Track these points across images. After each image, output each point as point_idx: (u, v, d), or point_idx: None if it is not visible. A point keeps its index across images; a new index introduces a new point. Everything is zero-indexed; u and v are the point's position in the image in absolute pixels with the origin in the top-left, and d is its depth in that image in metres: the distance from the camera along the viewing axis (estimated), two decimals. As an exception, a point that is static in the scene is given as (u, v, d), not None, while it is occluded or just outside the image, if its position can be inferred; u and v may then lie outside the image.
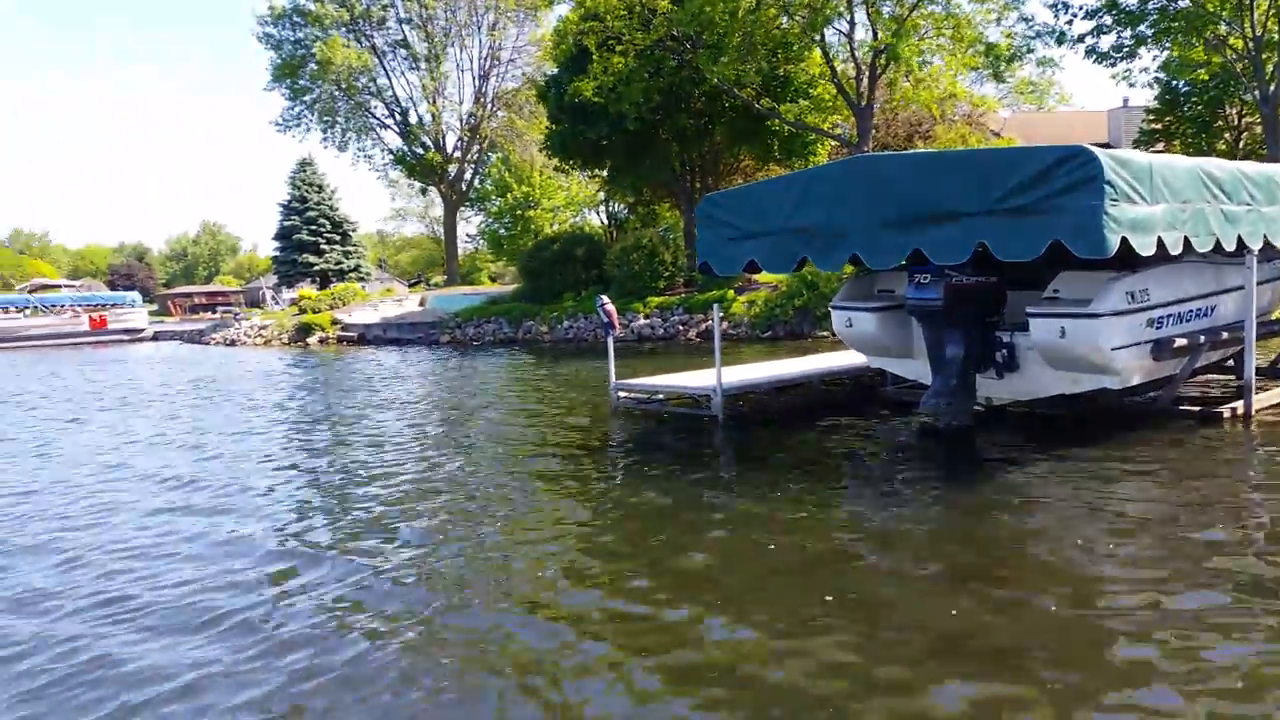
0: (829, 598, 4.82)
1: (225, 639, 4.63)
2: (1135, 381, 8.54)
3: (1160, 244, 7.52)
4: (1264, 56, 27.38)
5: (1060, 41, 28.99)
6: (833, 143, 32.73)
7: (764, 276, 28.50)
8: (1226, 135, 34.89)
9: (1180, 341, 8.51)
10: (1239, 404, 8.83)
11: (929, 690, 3.75)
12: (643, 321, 28.11)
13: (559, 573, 5.50)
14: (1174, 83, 39.15)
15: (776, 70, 30.50)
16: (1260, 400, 8.97)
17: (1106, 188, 7.01)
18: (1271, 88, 27.58)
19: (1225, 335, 9.01)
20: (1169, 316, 8.48)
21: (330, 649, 4.45)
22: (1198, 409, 9.02)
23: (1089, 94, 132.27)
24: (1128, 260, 7.76)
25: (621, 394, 11.78)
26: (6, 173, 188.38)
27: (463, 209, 55.02)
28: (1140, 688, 3.70)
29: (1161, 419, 8.84)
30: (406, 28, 45.07)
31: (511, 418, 12.34)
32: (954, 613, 4.51)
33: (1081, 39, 29.01)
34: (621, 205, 43.39)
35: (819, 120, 31.91)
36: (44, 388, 20.48)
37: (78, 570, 5.95)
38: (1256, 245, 8.68)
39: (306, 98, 44.76)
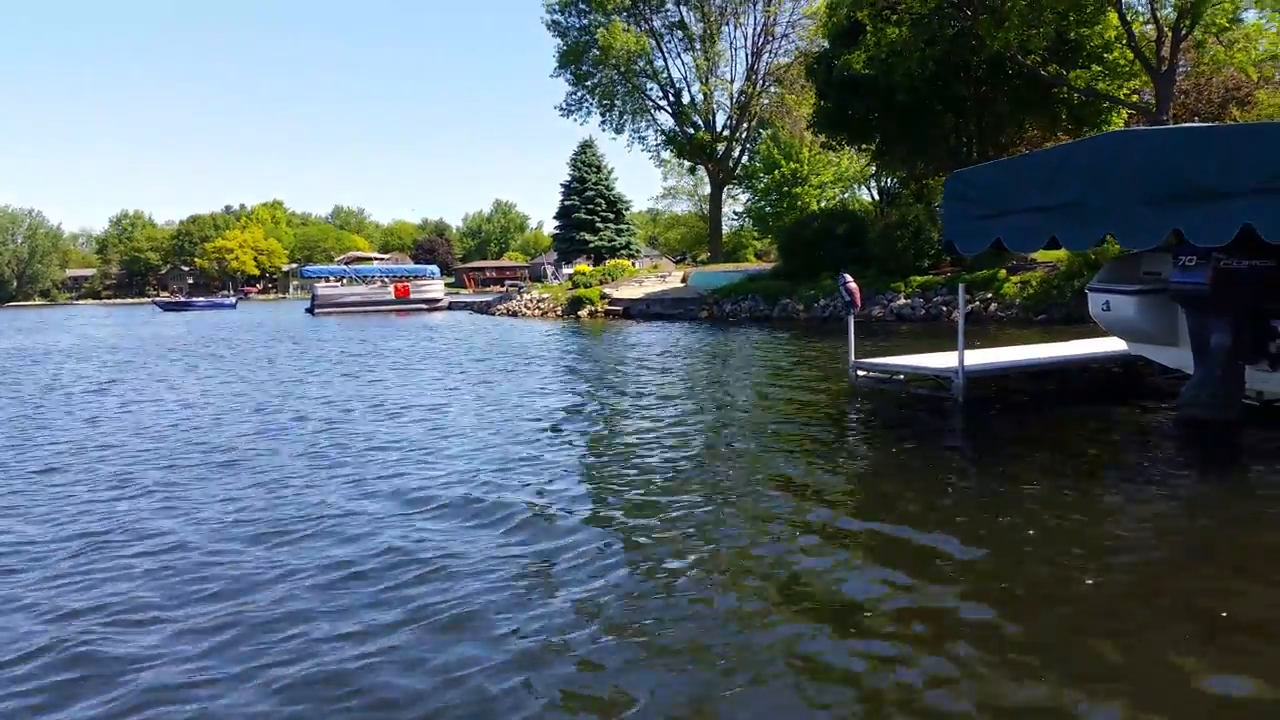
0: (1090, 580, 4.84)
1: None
2: None
3: None
4: None
5: None
6: (1129, 111, 30.20)
7: (1042, 255, 26.90)
8: None
9: None
10: None
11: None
12: (902, 301, 27.47)
13: (800, 546, 5.64)
14: None
15: (1067, 34, 28.47)
16: None
17: (1398, 165, 6.29)
18: None
19: None
20: None
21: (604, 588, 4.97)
22: None
23: None
24: None
25: (860, 373, 11.82)
26: (330, 154, 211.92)
27: (730, 186, 55.88)
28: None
29: None
30: (684, 8, 46.30)
31: (750, 393, 12.71)
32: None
33: None
34: (893, 180, 42.35)
35: (1113, 87, 29.51)
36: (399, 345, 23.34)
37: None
38: None
39: (588, 83, 47.20)
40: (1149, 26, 27.58)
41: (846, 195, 57.57)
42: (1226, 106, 37.36)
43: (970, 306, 25.86)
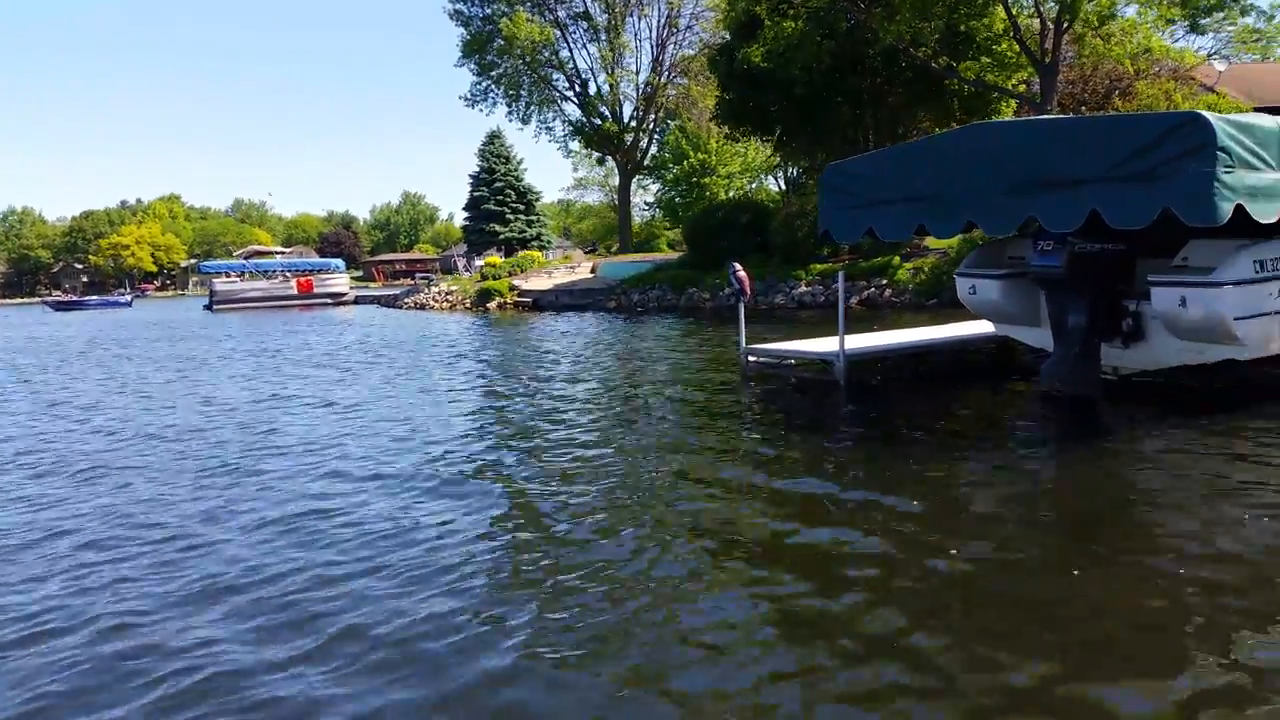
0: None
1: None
2: (1264, 353, 8.16)
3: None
4: None
5: (1273, -15, 26.51)
6: (1017, 102, 31.36)
7: (934, 242, 27.83)
8: None
9: (1320, 313, 8.07)
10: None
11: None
12: (804, 289, 28.10)
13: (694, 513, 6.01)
14: None
15: (957, 27, 29.42)
16: None
17: (1220, 154, 6.80)
18: None
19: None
20: (1307, 287, 8.05)
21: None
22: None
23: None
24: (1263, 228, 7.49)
25: (751, 358, 12.17)
26: (229, 146, 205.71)
27: (640, 177, 56.17)
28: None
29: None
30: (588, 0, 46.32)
31: (647, 380, 12.95)
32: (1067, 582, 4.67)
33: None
34: (798, 170, 43.13)
35: (1001, 79, 30.63)
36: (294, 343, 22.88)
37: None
38: None
39: (493, 73, 46.87)
40: (1034, 20, 28.70)
41: (754, 185, 58.44)
42: (1110, 97, 39.06)
43: (866, 293, 26.67)
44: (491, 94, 47.46)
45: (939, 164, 8.90)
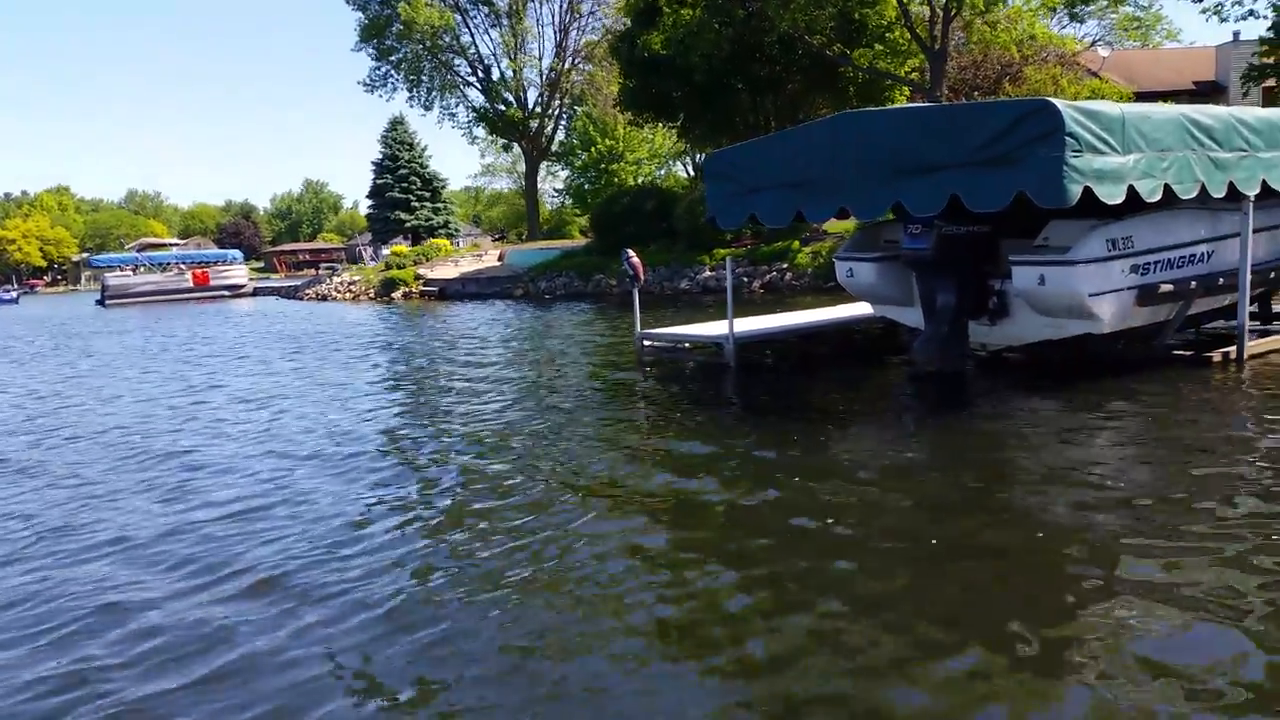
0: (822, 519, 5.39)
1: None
2: (1120, 327, 8.68)
3: (1133, 192, 7.67)
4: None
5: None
6: (910, 89, 32.22)
7: (832, 226, 28.48)
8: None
9: (1167, 287, 8.61)
10: (1231, 349, 8.91)
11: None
12: (708, 274, 28.47)
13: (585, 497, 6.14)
14: (1288, 13, 37.01)
15: (850, 15, 30.05)
16: (1254, 346, 9.02)
17: (1068, 139, 7.21)
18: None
19: (1223, 281, 9.03)
20: (1156, 263, 8.57)
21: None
22: (1190, 353, 9.12)
23: (1201, 30, 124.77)
24: (1133, 207, 7.98)
25: (646, 342, 12.37)
26: (121, 135, 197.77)
27: (549, 163, 55.94)
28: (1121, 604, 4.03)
29: (1155, 363, 8.99)
30: (488, -16, 45.74)
31: (548, 365, 13.05)
32: (934, 542, 4.87)
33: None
34: (705, 156, 43.47)
35: (894, 65, 31.43)
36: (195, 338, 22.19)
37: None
38: (1252, 191, 8.67)
39: (392, 58, 46.01)
40: (925, 8, 29.51)
41: (664, 171, 58.78)
42: (1001, 83, 40.40)
43: (768, 276, 27.20)
44: (391, 79, 46.64)
45: (813, 151, 9.20)
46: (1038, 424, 7.41)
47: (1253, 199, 8.71)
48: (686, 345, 12.42)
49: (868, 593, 4.32)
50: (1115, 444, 6.78)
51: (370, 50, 45.90)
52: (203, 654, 4.01)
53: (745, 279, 27.64)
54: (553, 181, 66.60)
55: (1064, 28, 37.63)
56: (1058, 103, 7.33)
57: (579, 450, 7.39)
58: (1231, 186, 8.53)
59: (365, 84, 47.24)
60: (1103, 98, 34.80)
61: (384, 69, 46.52)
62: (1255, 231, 9.13)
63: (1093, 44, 55.62)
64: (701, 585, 4.47)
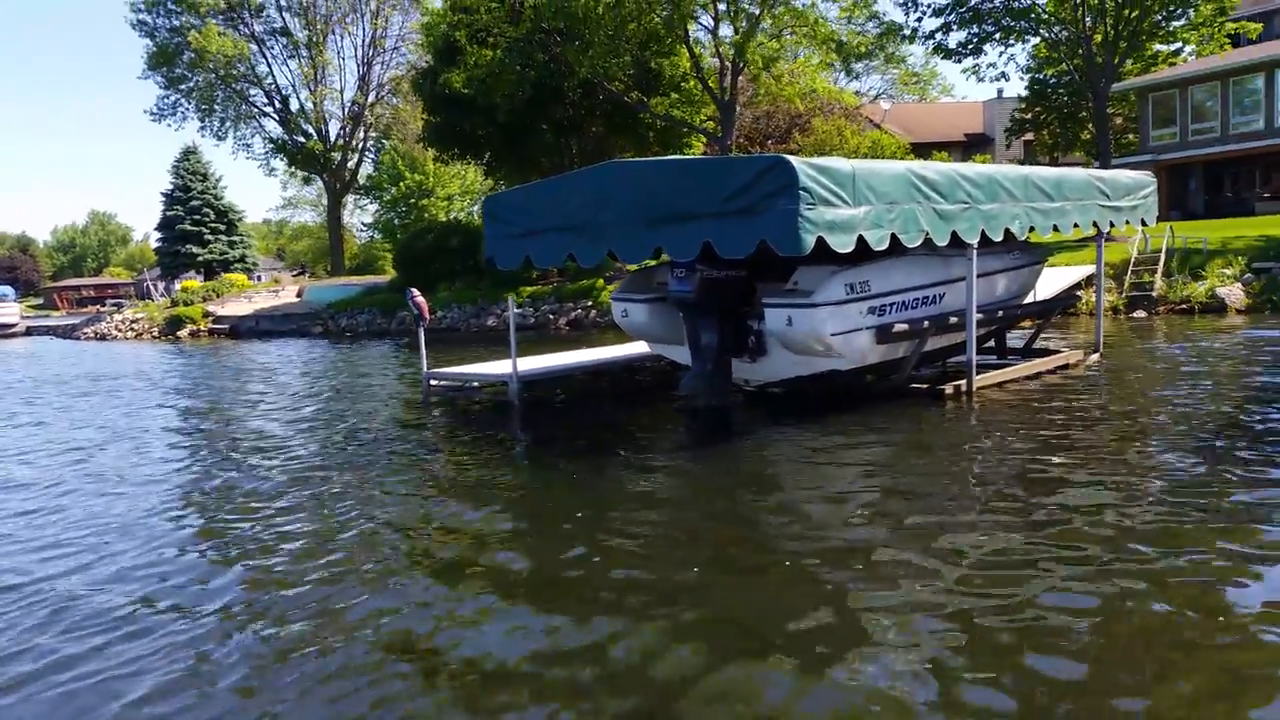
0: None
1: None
2: (863, 363, 9.47)
3: (862, 241, 8.41)
4: (1097, 59, 29.14)
5: (911, 40, 30.35)
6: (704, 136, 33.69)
7: (635, 267, 29.36)
8: (1090, 125, 36.36)
9: (902, 327, 9.47)
10: (961, 383, 9.87)
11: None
12: (515, 311, 28.54)
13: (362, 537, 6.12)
14: (1041, 75, 41.19)
15: (647, 64, 31.22)
16: (981, 380, 10.03)
17: (802, 193, 7.85)
18: (1103, 82, 29.36)
19: (954, 321, 10.00)
20: (891, 305, 9.42)
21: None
22: (925, 387, 10.04)
23: (973, 86, 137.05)
24: (870, 254, 8.74)
25: (433, 382, 12.37)
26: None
27: (358, 197, 54.65)
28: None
29: (898, 397, 9.85)
30: (286, 15, 44.62)
31: (334, 407, 12.80)
32: (695, 569, 5.18)
33: (931, 35, 30.44)
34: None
35: (689, 114, 32.80)
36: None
37: None
38: (974, 240, 9.64)
39: (183, 86, 43.97)
40: (715, 60, 31.07)
41: (476, 208, 58.52)
42: (791, 133, 42.88)
43: (573, 314, 27.64)
44: (181, 108, 44.52)
45: (583, 197, 9.58)
46: (791, 452, 8.04)
47: (975, 246, 9.71)
48: (475, 384, 12.51)
49: (637, 605, 4.65)
50: (858, 465, 7.46)
51: (159, 78, 43.72)
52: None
53: (551, 316, 27.99)
54: (361, 215, 65.13)
55: (849, 82, 40.29)
56: (792, 159, 7.98)
57: (354, 492, 7.32)
58: (956, 235, 9.47)
59: (152, 113, 44.89)
60: (883, 148, 37.63)
61: (173, 98, 44.41)
62: (982, 276, 10.20)
63: (876, 97, 59.86)
64: (472, 613, 4.68)
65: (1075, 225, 11.01)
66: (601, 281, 28.47)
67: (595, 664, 4.02)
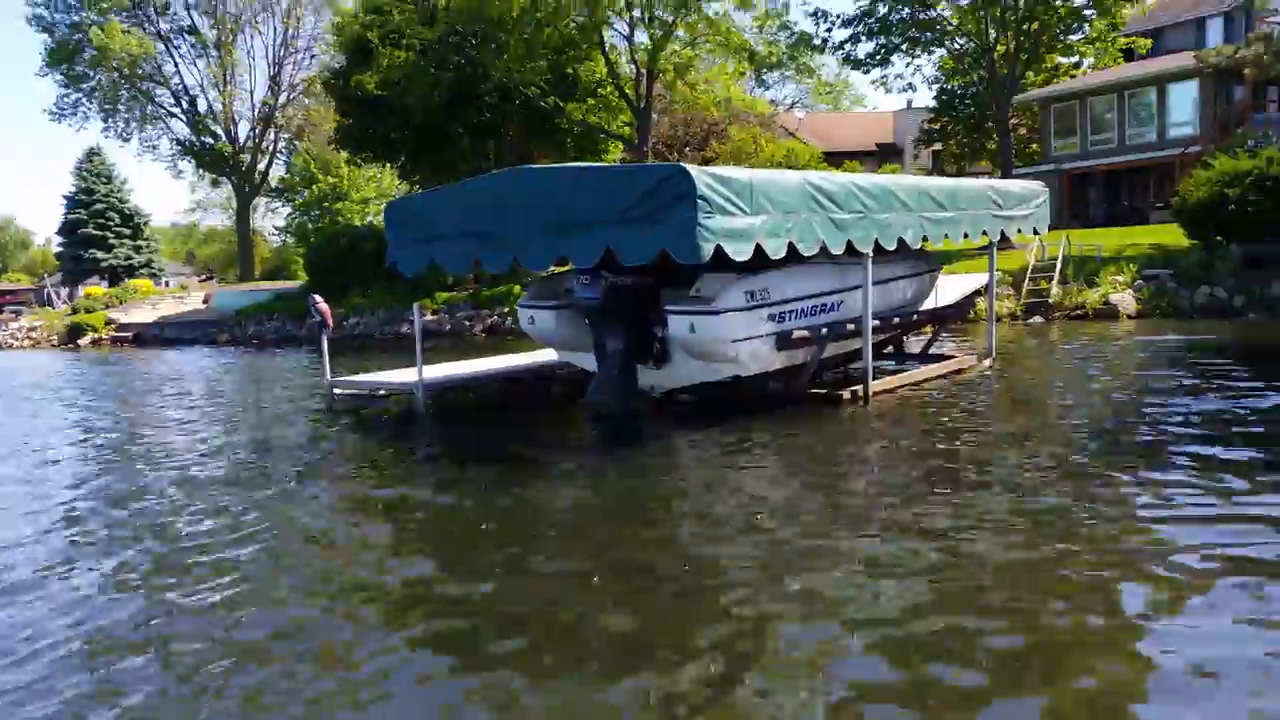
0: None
1: None
2: (764, 369, 9.65)
3: (761, 250, 8.59)
4: (1000, 70, 30.13)
5: (821, 50, 30.96)
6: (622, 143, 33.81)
7: (554, 271, 29.30)
8: (995, 135, 37.36)
9: (801, 334, 9.68)
10: (858, 388, 10.12)
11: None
12: (430, 318, 28.28)
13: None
14: (948, 86, 42.35)
15: (564, 69, 31.19)
16: (877, 385, 10.30)
17: (700, 202, 7.98)
18: (1006, 93, 30.36)
19: (852, 327, 10.25)
20: (790, 312, 9.62)
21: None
22: (824, 392, 10.28)
23: (885, 96, 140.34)
24: (770, 262, 8.90)
25: (337, 391, 12.20)
26: None
27: (270, 200, 53.38)
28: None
29: (798, 401, 10.06)
30: (194, 13, 43.42)
31: (230, 419, 12.52)
32: (595, 579, 5.19)
33: (841, 46, 31.08)
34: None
35: (607, 120, 32.88)
36: None
37: None
38: (867, 249, 9.89)
39: (84, 85, 42.44)
40: (631, 67, 31.23)
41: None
42: (708, 140, 43.33)
43: (490, 320, 27.50)
44: (83, 108, 42.96)
45: (489, 203, 9.56)
46: (693, 455, 8.20)
47: (870, 255, 9.97)
48: (381, 392, 12.37)
49: (539, 608, 4.70)
50: (757, 467, 7.69)
51: (58, 76, 42.12)
52: None
53: (468, 323, 27.80)
54: (274, 219, 63.67)
55: (763, 91, 40.84)
56: (691, 168, 8.11)
57: (253, 505, 7.15)
58: (850, 244, 9.72)
59: (52, 112, 43.25)
60: (797, 156, 38.26)
61: (74, 97, 42.83)
62: (879, 283, 10.47)
63: (791, 106, 60.76)
64: (375, 620, 4.73)
65: (966, 235, 11.37)
66: (518, 288, 28.26)
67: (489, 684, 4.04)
